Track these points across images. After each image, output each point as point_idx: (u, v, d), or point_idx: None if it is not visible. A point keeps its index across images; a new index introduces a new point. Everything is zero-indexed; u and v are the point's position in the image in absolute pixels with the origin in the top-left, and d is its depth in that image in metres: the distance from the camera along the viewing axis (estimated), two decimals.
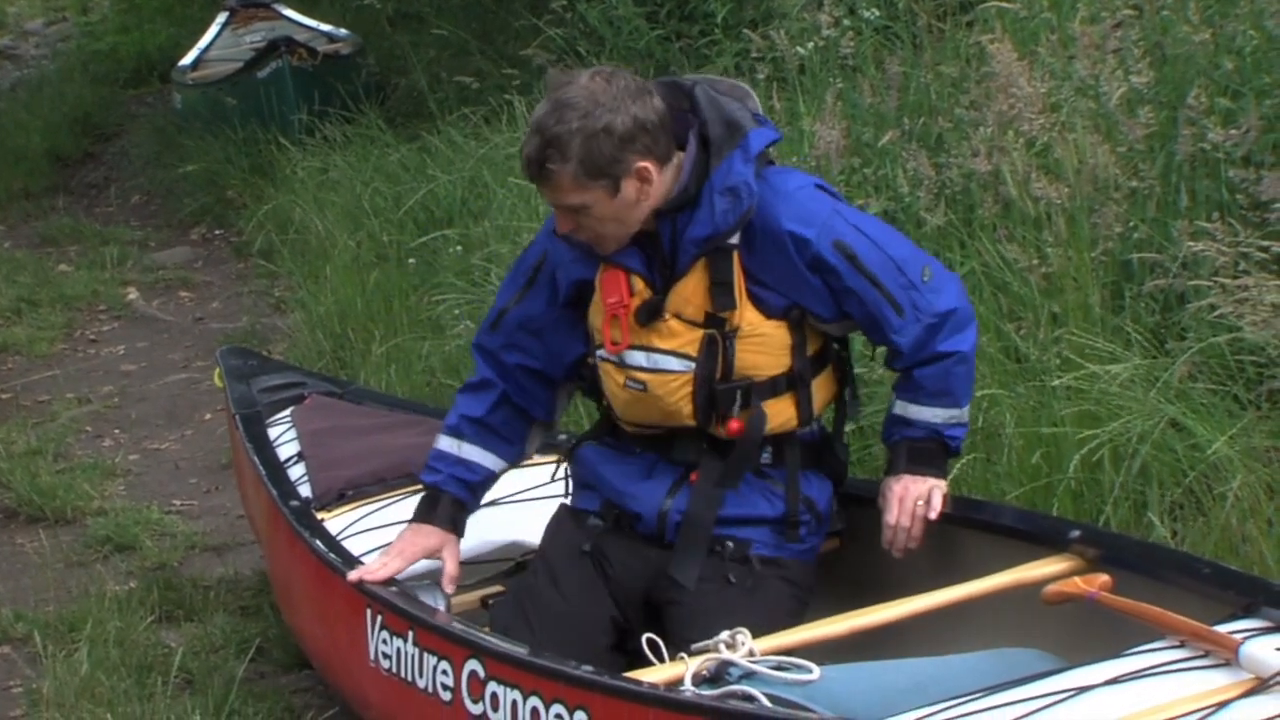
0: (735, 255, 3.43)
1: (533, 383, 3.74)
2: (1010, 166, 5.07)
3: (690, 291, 3.45)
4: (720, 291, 3.43)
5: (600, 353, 3.57)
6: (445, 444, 3.78)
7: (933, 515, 3.56)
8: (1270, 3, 5.22)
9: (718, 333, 3.45)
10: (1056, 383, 4.45)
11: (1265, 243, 4.42)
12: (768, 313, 3.47)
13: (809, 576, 3.64)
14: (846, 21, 6.91)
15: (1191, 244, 4.54)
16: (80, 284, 10.03)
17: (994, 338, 4.85)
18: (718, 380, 3.47)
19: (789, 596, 3.57)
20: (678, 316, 3.46)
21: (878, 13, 7.11)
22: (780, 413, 3.53)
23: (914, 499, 3.57)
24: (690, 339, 3.46)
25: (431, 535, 3.73)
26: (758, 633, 3.17)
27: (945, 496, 3.61)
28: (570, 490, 3.82)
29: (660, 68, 8.34)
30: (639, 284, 3.48)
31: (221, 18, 14.11)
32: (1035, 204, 4.97)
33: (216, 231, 11.31)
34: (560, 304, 3.65)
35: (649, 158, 3.37)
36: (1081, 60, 5.33)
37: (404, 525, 3.93)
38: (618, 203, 3.38)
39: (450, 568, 3.72)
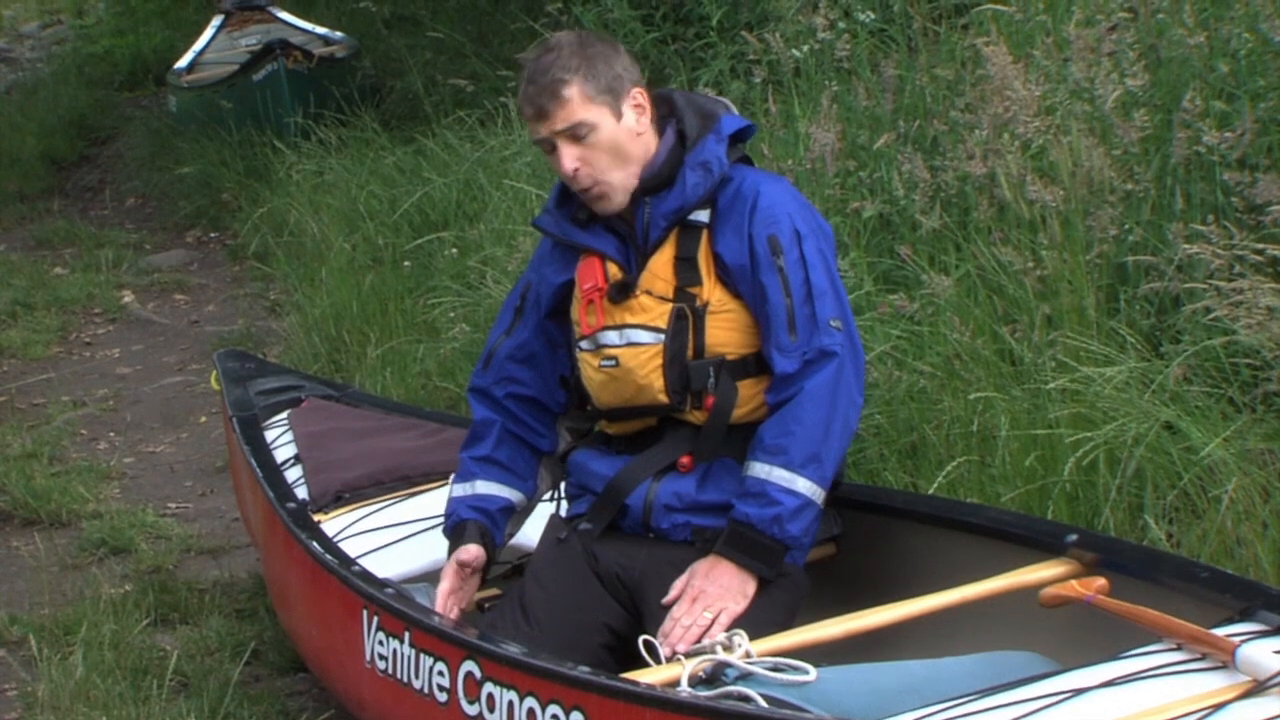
0: (704, 233, 3.53)
1: (531, 414, 3.78)
2: (1005, 169, 5.08)
3: (660, 268, 3.54)
4: (685, 266, 3.52)
5: (581, 345, 3.61)
6: (457, 490, 3.80)
7: (709, 638, 3.28)
8: (1265, 6, 5.23)
9: (687, 307, 3.51)
10: (1051, 385, 4.45)
11: (1260, 245, 4.43)
12: (733, 290, 3.53)
13: (799, 580, 3.57)
14: (842, 24, 6.92)
15: (1186, 247, 4.54)
16: (75, 287, 10.03)
17: (989, 340, 4.86)
18: (690, 358, 3.51)
19: (776, 604, 3.49)
20: (648, 293, 3.54)
21: (873, 15, 7.11)
22: (755, 395, 3.53)
23: (704, 607, 3.36)
24: (660, 312, 3.52)
25: (465, 551, 3.70)
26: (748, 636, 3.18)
27: (738, 615, 3.35)
28: (562, 499, 3.85)
29: (656, 70, 8.35)
30: (613, 268, 3.57)
31: (217, 21, 14.12)
32: (1030, 207, 4.97)
33: (212, 234, 11.31)
34: (551, 325, 3.72)
35: (641, 88, 3.56)
36: (1077, 63, 5.34)
37: (403, 530, 3.94)
38: (621, 129, 3.51)
39: (453, 583, 3.70)
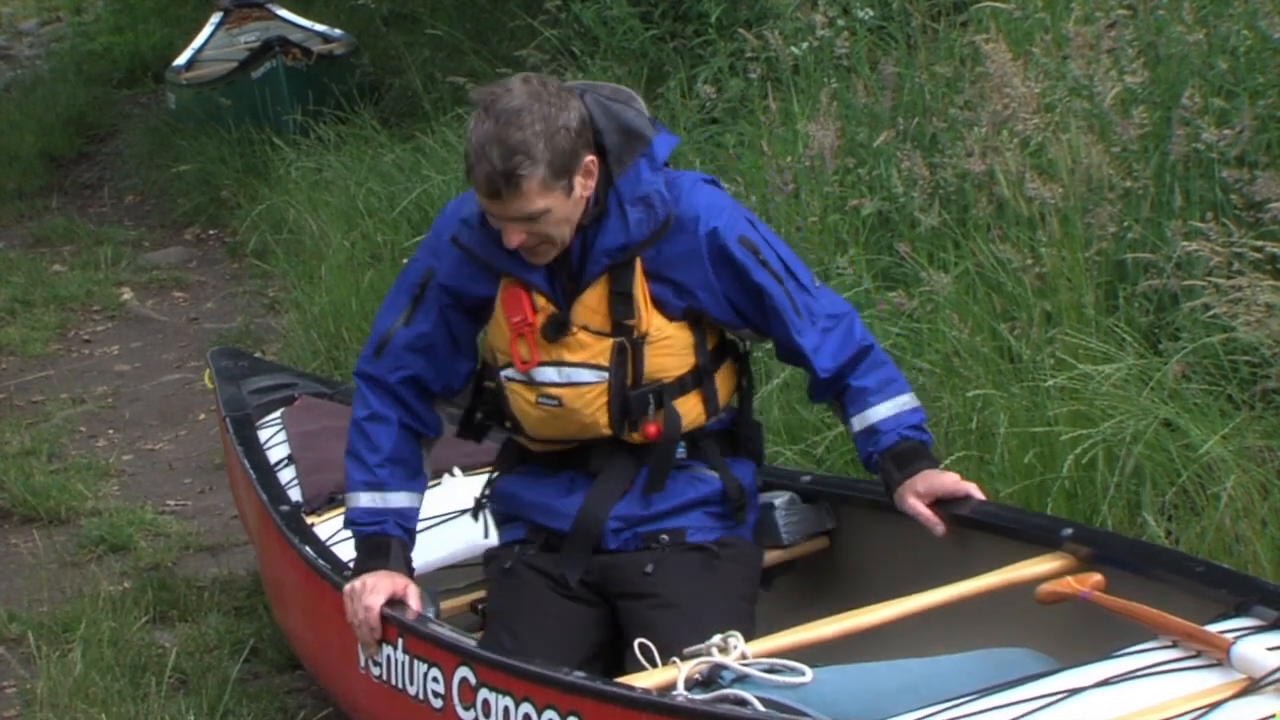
0: (637, 262, 3.45)
1: (422, 401, 3.67)
2: (1004, 167, 5.07)
3: (595, 302, 3.46)
4: (620, 301, 3.45)
5: (507, 373, 3.53)
6: (367, 500, 3.66)
7: (976, 492, 3.54)
8: (1264, 3, 5.23)
9: (626, 340, 3.46)
10: (1050, 383, 4.45)
11: (1259, 243, 4.43)
12: (670, 315, 3.49)
13: (756, 557, 3.66)
14: (841, 21, 6.92)
15: (1185, 244, 4.54)
16: (74, 284, 10.02)
17: (988, 338, 4.85)
18: (629, 387, 3.48)
19: (741, 579, 3.57)
20: (585, 328, 3.47)
21: (872, 12, 7.11)
22: (690, 410, 3.56)
23: (934, 496, 3.52)
24: (600, 349, 3.47)
25: (396, 578, 3.60)
26: (717, 617, 3.26)
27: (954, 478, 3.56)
28: (492, 530, 3.79)
29: (654, 68, 8.35)
30: (540, 300, 3.47)
31: (216, 18, 14.08)
32: (1029, 204, 4.97)
33: (211, 232, 11.30)
34: (455, 319, 3.59)
35: (591, 151, 3.39)
36: (1076, 60, 5.34)
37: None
38: (571, 203, 3.37)
39: (416, 605, 3.58)
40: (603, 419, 3.50)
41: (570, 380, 3.48)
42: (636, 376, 3.48)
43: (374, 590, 3.57)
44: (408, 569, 3.65)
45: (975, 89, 5.72)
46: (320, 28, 13.20)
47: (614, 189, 3.43)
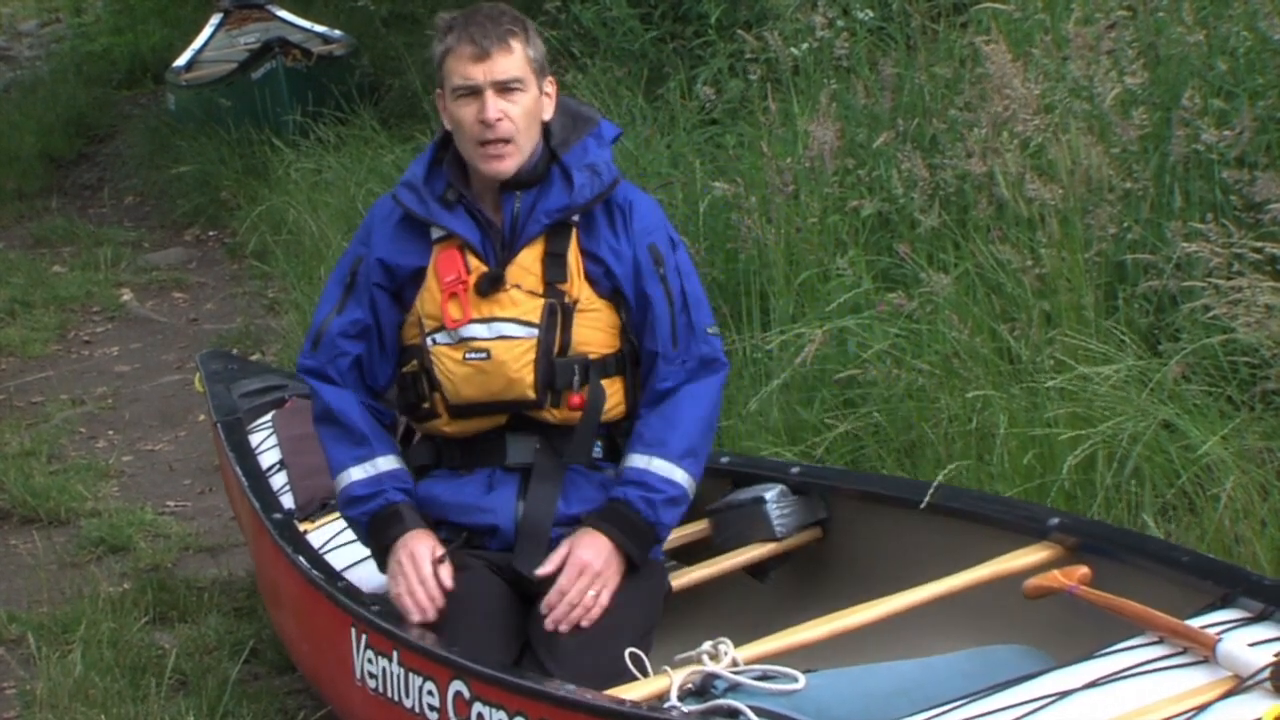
0: (574, 231, 3.57)
1: (364, 389, 3.69)
2: (1004, 168, 5.07)
3: (530, 262, 3.55)
4: (554, 262, 3.55)
5: (435, 338, 3.57)
6: (359, 472, 3.65)
7: (588, 620, 3.42)
8: (1264, 4, 5.23)
9: (558, 303, 3.53)
10: (1050, 384, 4.45)
11: (1259, 244, 4.43)
12: (598, 291, 3.57)
13: (662, 574, 3.68)
14: (840, 22, 6.92)
15: (1185, 245, 4.55)
16: (74, 285, 10.02)
17: (988, 339, 4.85)
18: (556, 354, 3.53)
19: (645, 596, 3.57)
20: (518, 287, 3.54)
21: (871, 13, 7.11)
22: (612, 395, 3.59)
23: (591, 576, 3.44)
24: (532, 307, 3.54)
25: (423, 537, 3.59)
26: (627, 635, 3.30)
27: (613, 597, 3.45)
28: None
29: (654, 69, 8.35)
30: (474, 261, 3.56)
31: (216, 19, 14.10)
32: (1029, 205, 4.97)
33: (210, 233, 11.31)
34: (383, 304, 3.63)
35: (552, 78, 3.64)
36: (1075, 61, 5.34)
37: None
38: (537, 103, 3.56)
39: (449, 580, 3.53)
40: (529, 378, 3.52)
41: (500, 334, 3.53)
42: (564, 345, 3.54)
43: (416, 558, 3.53)
44: (425, 522, 3.63)
45: (975, 90, 5.72)
46: (320, 29, 13.21)
47: (558, 162, 3.58)
